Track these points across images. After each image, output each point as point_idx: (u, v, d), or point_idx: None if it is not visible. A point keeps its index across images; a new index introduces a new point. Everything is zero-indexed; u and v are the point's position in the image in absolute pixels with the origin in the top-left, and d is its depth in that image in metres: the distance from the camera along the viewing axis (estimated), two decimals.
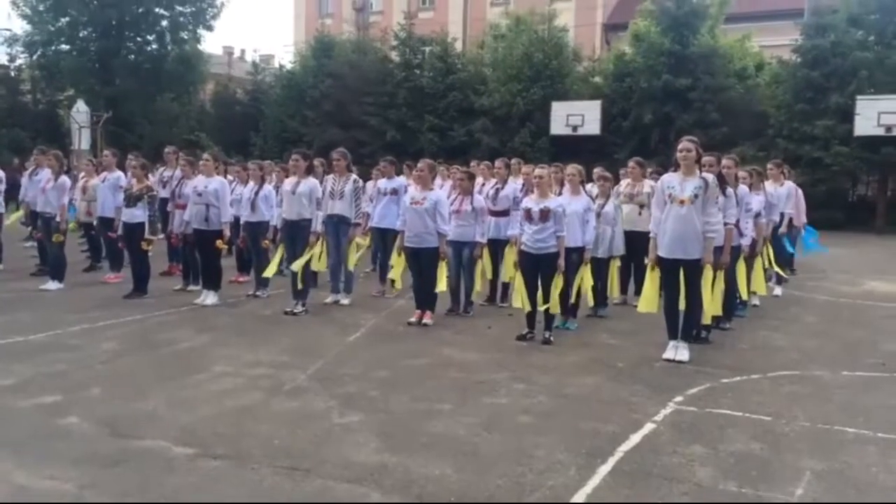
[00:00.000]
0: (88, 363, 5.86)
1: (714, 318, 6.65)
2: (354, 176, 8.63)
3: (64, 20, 29.74)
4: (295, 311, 7.90)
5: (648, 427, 4.56)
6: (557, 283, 6.70)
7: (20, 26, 30.45)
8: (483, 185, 8.87)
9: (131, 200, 8.96)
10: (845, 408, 5.04)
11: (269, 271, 8.50)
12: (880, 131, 18.94)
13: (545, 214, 6.64)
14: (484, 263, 8.13)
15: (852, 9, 20.66)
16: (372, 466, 3.90)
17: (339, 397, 5.07)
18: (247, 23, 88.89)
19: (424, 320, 7.47)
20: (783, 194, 9.43)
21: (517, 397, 5.14)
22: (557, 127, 22.12)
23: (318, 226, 7.98)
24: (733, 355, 6.45)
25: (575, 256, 7.07)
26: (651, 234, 6.30)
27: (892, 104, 18.81)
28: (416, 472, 3.85)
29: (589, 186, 8.23)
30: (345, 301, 8.54)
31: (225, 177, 9.44)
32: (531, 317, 6.85)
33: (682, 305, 6.10)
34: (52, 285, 9.20)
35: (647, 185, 8.63)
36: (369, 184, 10.39)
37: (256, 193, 9.05)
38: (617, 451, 4.16)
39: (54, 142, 22.23)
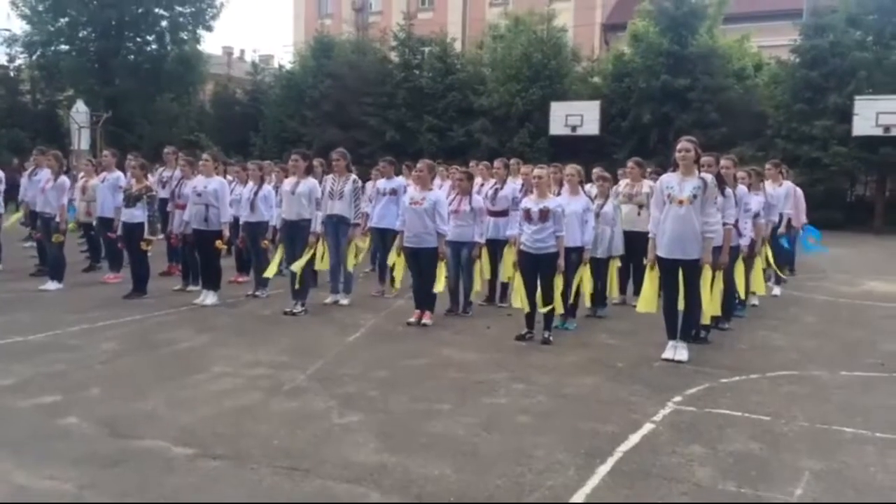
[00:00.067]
0: (88, 363, 5.87)
1: (713, 318, 6.65)
2: (354, 176, 8.63)
3: (63, 20, 29.74)
4: (294, 311, 7.91)
5: (647, 427, 4.57)
6: (558, 284, 6.71)
7: (20, 26, 30.51)
8: (482, 185, 8.88)
9: (131, 200, 8.96)
10: (844, 408, 5.05)
11: (270, 272, 8.50)
12: (879, 131, 18.94)
13: (544, 214, 6.65)
14: (482, 263, 8.14)
15: (851, 9, 20.67)
16: (371, 466, 3.91)
17: (339, 397, 5.07)
18: (246, 23, 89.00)
19: (424, 320, 7.47)
20: (781, 194, 9.44)
21: (516, 397, 5.15)
22: (556, 127, 22.13)
23: (317, 226, 7.98)
24: (732, 355, 6.45)
25: (574, 256, 7.09)
26: (650, 235, 6.31)
27: (891, 104, 18.82)
28: (416, 472, 3.85)
29: (588, 186, 8.24)
30: (344, 301, 8.55)
31: (224, 177, 9.44)
32: (530, 317, 6.86)
33: (681, 305, 6.10)
34: (52, 285, 9.20)
35: (646, 185, 8.64)
36: (368, 184, 10.40)
37: (256, 194, 9.06)
38: (616, 451, 4.17)
39: (54, 142, 22.21)
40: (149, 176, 9.87)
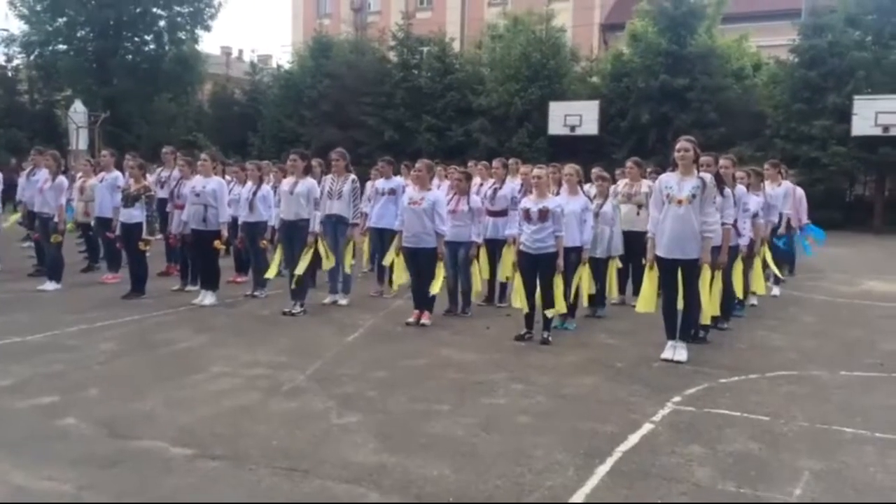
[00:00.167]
0: (86, 364, 5.86)
1: (712, 318, 6.65)
2: (353, 176, 8.62)
3: (61, 20, 29.74)
4: (293, 311, 7.90)
5: (647, 427, 4.57)
6: (558, 284, 6.70)
7: (17, 26, 30.60)
8: (481, 185, 8.88)
9: (129, 201, 8.94)
10: (843, 408, 5.05)
11: (270, 272, 8.49)
12: (878, 131, 18.96)
13: (544, 214, 6.64)
14: (480, 263, 8.13)
15: (850, 9, 20.68)
16: (370, 467, 3.90)
17: (338, 398, 5.07)
18: (245, 23, 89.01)
19: (423, 320, 7.47)
20: (780, 194, 9.43)
21: (515, 398, 5.14)
22: (555, 127, 22.14)
23: (316, 226, 7.97)
24: (731, 355, 6.45)
25: (573, 256, 7.09)
26: (649, 234, 6.31)
27: (890, 104, 18.83)
28: (415, 472, 3.84)
29: (587, 186, 8.23)
30: (343, 301, 8.54)
31: (223, 177, 9.44)
32: (529, 317, 6.85)
33: (680, 305, 6.10)
34: (50, 286, 9.18)
35: (645, 184, 8.65)
36: (367, 184, 10.39)
37: (254, 194, 9.05)
38: (615, 451, 4.16)
39: (52, 142, 22.20)
40: (147, 176, 9.84)
